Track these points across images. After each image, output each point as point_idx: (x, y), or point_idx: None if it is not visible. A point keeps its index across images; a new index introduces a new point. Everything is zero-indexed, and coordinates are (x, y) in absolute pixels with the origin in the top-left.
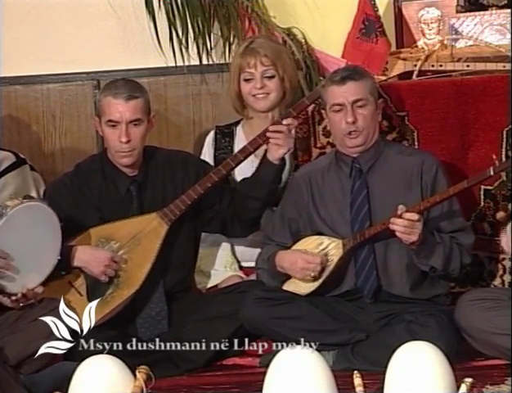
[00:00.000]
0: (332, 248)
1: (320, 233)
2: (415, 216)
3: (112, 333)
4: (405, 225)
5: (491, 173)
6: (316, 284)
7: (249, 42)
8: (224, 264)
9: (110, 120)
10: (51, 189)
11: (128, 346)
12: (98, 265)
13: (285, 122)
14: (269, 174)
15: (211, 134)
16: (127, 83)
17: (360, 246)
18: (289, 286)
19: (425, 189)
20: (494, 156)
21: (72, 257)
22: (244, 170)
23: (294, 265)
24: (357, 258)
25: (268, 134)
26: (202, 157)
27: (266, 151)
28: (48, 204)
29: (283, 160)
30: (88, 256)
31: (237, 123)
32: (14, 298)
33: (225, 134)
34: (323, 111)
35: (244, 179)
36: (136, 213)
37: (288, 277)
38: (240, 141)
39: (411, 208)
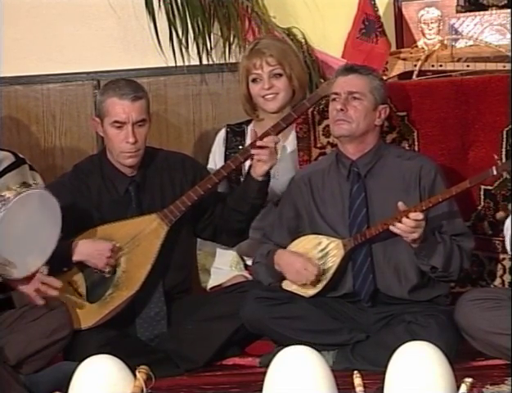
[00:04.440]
0: (332, 248)
1: (320, 234)
2: (419, 216)
3: (112, 333)
4: (411, 226)
5: (494, 172)
6: (320, 286)
7: (254, 43)
8: (230, 263)
9: (116, 121)
10: (50, 190)
11: (128, 346)
12: (101, 257)
13: (266, 140)
14: (252, 190)
15: (222, 133)
16: (129, 83)
17: (358, 248)
18: (291, 286)
19: (423, 194)
20: (495, 156)
21: (73, 252)
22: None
23: (290, 267)
24: (355, 262)
25: (253, 151)
26: (212, 156)
27: (250, 166)
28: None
29: (267, 175)
30: (90, 249)
31: (248, 122)
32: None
33: (236, 133)
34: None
35: (232, 191)
36: (135, 213)
37: (283, 276)
38: (251, 140)
39: (414, 208)
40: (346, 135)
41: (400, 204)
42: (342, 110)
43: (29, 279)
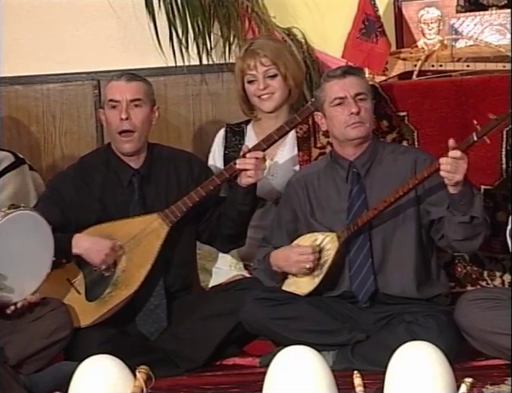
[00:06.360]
0: (328, 242)
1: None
2: (457, 153)
3: (112, 331)
4: (450, 163)
5: (475, 138)
6: (317, 281)
7: (248, 44)
8: (229, 262)
9: (110, 100)
10: (54, 180)
11: (128, 345)
12: (99, 253)
13: (253, 155)
14: (237, 196)
15: (221, 132)
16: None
17: (356, 246)
18: (289, 287)
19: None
20: (475, 122)
21: (73, 244)
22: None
23: (287, 261)
24: (353, 263)
25: (238, 166)
26: (211, 155)
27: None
28: (48, 195)
29: (254, 184)
30: (89, 244)
31: (248, 121)
32: (12, 308)
33: (235, 133)
34: (317, 113)
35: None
36: (137, 206)
37: (285, 276)
38: (250, 140)
39: (401, 188)
40: (363, 137)
41: (451, 142)
42: (358, 112)
43: None
